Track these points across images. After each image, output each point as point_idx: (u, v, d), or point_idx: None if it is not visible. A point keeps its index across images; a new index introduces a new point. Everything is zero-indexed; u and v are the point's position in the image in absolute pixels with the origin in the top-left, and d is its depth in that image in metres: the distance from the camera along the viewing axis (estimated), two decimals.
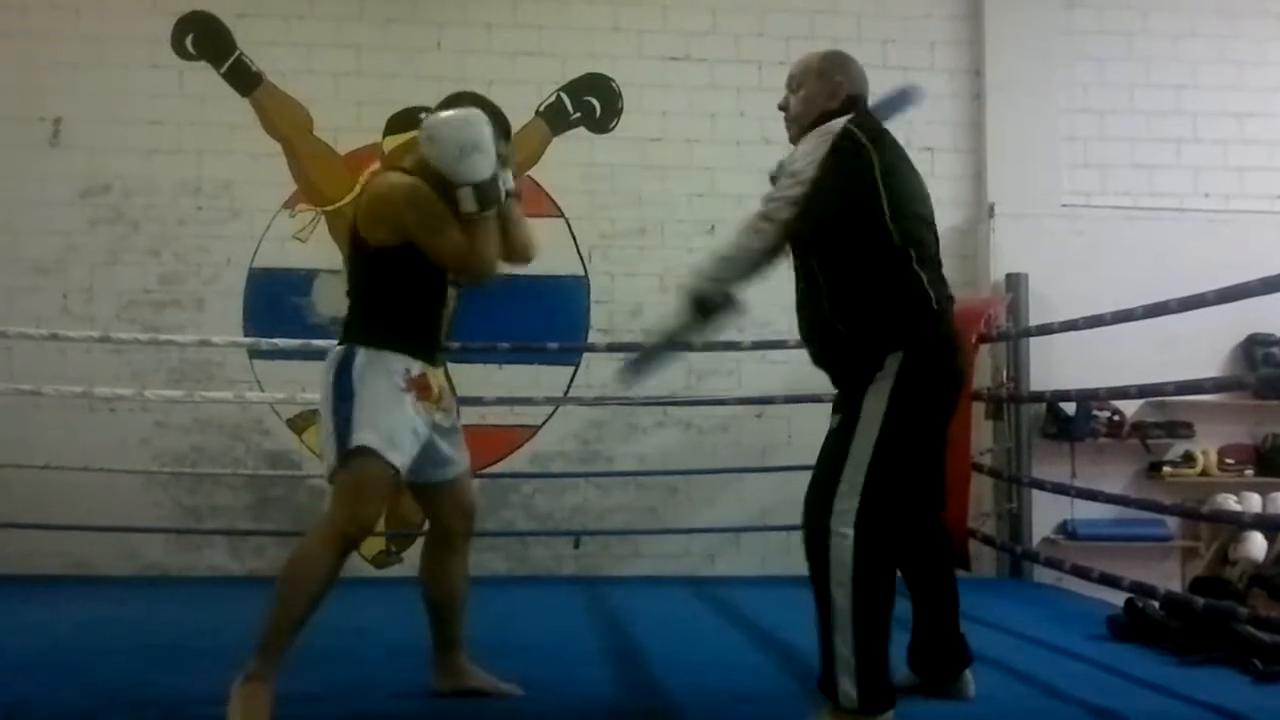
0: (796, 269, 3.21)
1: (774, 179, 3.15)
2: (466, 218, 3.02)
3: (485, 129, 3.01)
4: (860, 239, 2.99)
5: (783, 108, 3.33)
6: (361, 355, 3.02)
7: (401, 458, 2.99)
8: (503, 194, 3.09)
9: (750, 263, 3.05)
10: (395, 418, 2.99)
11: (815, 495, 2.97)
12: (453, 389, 3.38)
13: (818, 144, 3.04)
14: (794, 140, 3.26)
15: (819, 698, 2.94)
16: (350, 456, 2.95)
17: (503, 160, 3.13)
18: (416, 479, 3.16)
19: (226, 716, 2.79)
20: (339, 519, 2.97)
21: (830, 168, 2.98)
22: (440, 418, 3.15)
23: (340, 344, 3.09)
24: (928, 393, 2.99)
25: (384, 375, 3.01)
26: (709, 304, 3.04)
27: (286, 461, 6.22)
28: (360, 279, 3.15)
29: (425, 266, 3.07)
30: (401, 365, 3.04)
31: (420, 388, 3.06)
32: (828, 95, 3.20)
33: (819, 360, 3.21)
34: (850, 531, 2.85)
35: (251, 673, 2.85)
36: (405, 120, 6.28)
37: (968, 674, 3.31)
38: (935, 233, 3.15)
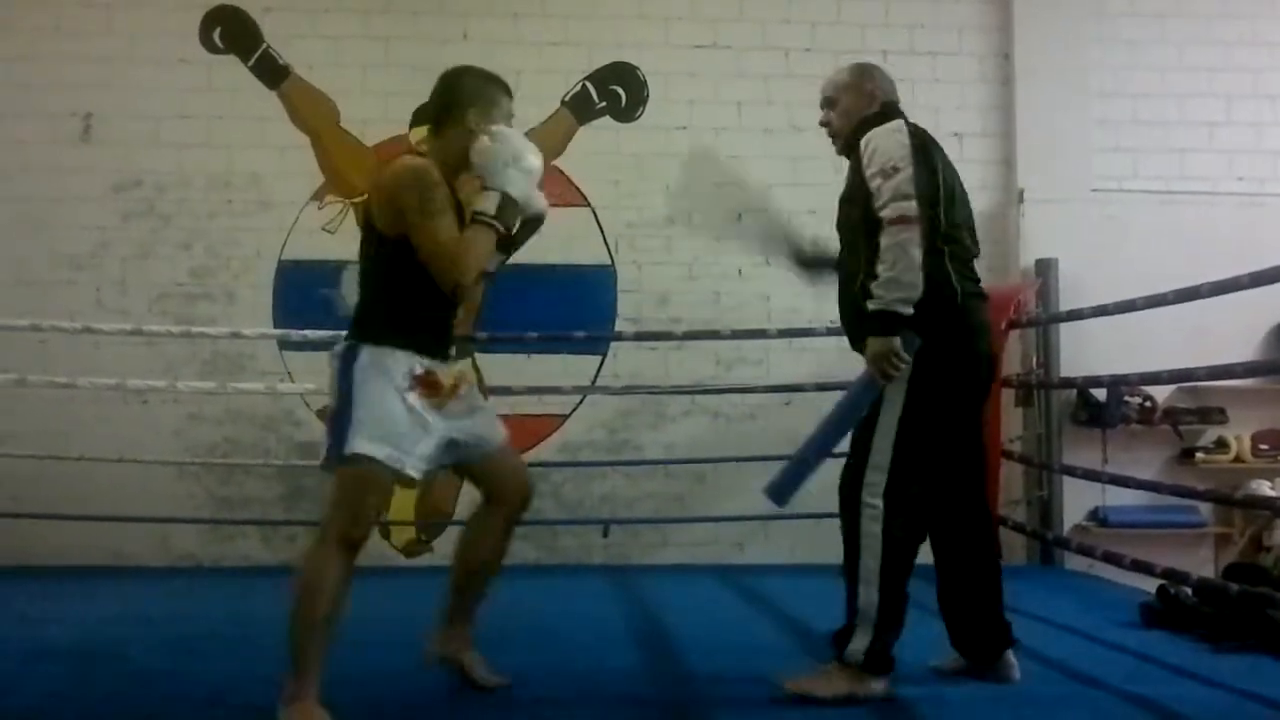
0: (841, 257, 3.35)
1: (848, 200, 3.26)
2: (475, 217, 2.95)
3: (539, 162, 3.02)
4: None
5: (824, 124, 3.44)
6: (365, 353, 2.95)
7: (406, 458, 2.93)
8: (517, 223, 3.05)
9: (918, 270, 3.05)
10: (394, 420, 2.92)
11: (849, 470, 3.22)
12: (480, 376, 3.37)
13: (892, 138, 3.15)
14: (841, 153, 3.42)
15: (830, 650, 3.18)
16: (347, 461, 2.91)
17: (507, 117, 3.11)
18: (454, 464, 3.20)
19: None
20: (339, 524, 2.93)
21: (915, 159, 3.12)
22: (458, 408, 3.08)
23: (346, 338, 3.03)
24: (946, 380, 3.18)
25: (385, 375, 2.94)
26: (902, 326, 3.06)
27: (317, 452, 6.11)
28: (371, 271, 3.06)
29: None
30: (406, 364, 2.97)
31: (426, 385, 2.99)
32: (866, 103, 3.36)
33: (855, 346, 3.31)
34: (879, 503, 3.12)
35: (293, 693, 2.80)
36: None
37: (1010, 656, 3.35)
38: (974, 234, 3.34)
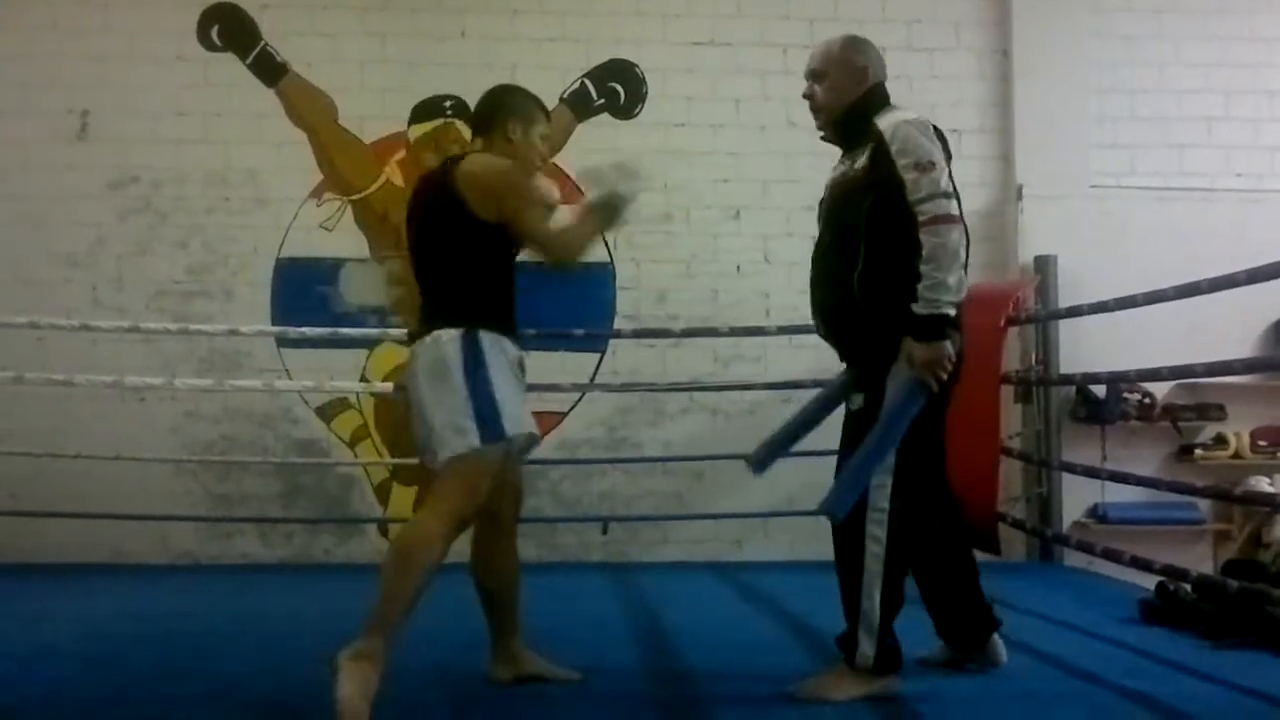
0: (827, 243, 3.26)
1: (857, 177, 3.17)
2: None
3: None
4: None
5: (808, 97, 3.34)
6: (485, 338, 3.05)
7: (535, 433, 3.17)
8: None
9: (963, 271, 3.05)
10: (520, 400, 3.11)
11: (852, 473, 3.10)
12: None
13: (923, 131, 3.08)
14: (822, 129, 3.35)
15: (836, 654, 3.17)
16: (494, 442, 2.98)
17: (543, 135, 3.32)
18: None
19: (336, 690, 2.77)
20: (461, 501, 3.02)
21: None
22: None
23: (453, 324, 3.06)
24: (946, 381, 3.11)
25: (505, 357, 3.08)
26: (950, 328, 3.03)
27: (315, 449, 6.26)
28: (464, 259, 3.10)
29: (513, 247, 3.17)
30: (512, 347, 3.13)
31: (521, 368, 3.18)
32: (857, 79, 3.27)
33: (830, 335, 3.31)
34: (887, 505, 3.06)
35: (361, 650, 2.85)
36: (430, 108, 6.29)
37: (996, 639, 3.38)
38: None
